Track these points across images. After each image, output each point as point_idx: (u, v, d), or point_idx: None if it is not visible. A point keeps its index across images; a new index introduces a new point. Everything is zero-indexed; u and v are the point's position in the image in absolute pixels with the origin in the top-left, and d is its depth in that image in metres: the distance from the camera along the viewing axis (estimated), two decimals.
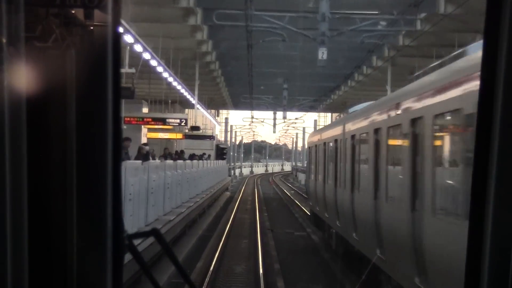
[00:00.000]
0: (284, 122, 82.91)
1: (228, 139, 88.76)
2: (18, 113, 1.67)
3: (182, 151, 35.80)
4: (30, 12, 1.68)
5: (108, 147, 1.74)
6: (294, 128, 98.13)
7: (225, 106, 77.60)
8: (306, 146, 27.80)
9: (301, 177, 78.60)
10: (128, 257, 1.93)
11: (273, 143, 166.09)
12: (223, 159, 59.76)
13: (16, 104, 1.66)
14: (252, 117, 79.49)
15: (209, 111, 66.08)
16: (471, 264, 1.86)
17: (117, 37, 1.75)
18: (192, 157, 38.29)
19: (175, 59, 36.57)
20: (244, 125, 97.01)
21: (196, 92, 42.55)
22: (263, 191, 57.97)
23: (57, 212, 1.72)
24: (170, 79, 33.86)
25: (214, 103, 68.51)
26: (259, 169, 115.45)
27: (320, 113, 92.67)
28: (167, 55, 34.27)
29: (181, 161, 26.65)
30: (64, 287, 1.74)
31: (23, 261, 1.68)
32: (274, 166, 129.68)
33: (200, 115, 67.27)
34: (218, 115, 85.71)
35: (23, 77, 1.67)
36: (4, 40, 1.64)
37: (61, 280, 1.73)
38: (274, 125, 73.79)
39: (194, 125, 47.94)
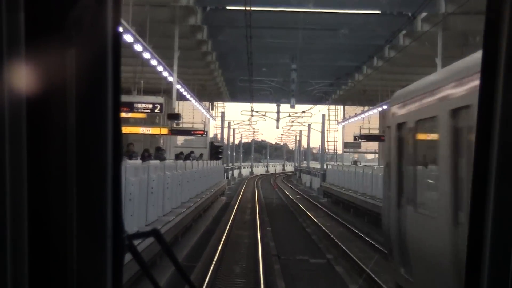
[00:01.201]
0: (290, 115, 70.22)
1: (225, 136, 76.73)
2: (18, 113, 1.67)
3: (159, 148, 28.15)
4: (30, 12, 1.68)
5: (108, 147, 1.75)
6: (300, 124, 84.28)
7: (220, 97, 65.43)
8: (387, 126, 11.94)
9: (306, 178, 72.19)
10: (128, 257, 1.94)
11: (273, 143, 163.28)
12: (219, 158, 50.85)
13: (16, 104, 1.66)
14: (252, 110, 66.68)
15: (202, 103, 56.05)
16: (471, 264, 1.86)
17: (117, 37, 1.75)
18: (177, 156, 31.63)
19: (140, 19, 26.02)
20: (243, 121, 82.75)
21: (175, 67, 31.70)
22: (264, 195, 49.97)
23: (57, 212, 1.73)
24: (138, 47, 24.46)
25: (206, 93, 56.02)
26: (259, 169, 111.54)
27: (329, 108, 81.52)
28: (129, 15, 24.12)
29: (140, 161, 18.33)
30: (64, 287, 1.74)
31: (22, 261, 1.69)
32: (275, 167, 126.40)
33: (189, 107, 56.94)
34: (212, 108, 73.05)
35: (23, 77, 1.67)
36: (4, 40, 1.64)
37: (61, 281, 1.73)
38: (278, 119, 60.62)
39: (174, 113, 35.26)
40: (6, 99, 1.64)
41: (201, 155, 41.72)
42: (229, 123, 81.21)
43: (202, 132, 44.47)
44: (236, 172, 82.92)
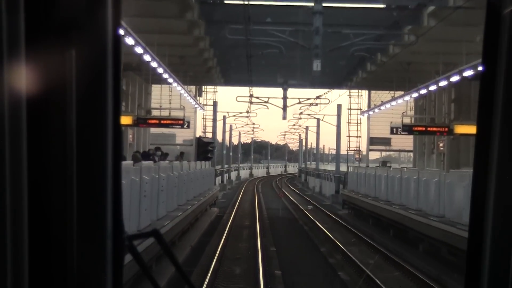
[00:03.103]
0: (300, 102, 51.45)
1: (220, 133, 62.85)
2: (18, 113, 1.67)
3: None
4: (30, 12, 1.68)
5: (108, 147, 1.75)
6: (310, 117, 63.80)
7: (208, 78, 46.31)
8: None
9: (314, 182, 60.24)
10: (128, 258, 1.94)
11: (273, 143, 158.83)
12: (208, 159, 38.96)
13: (16, 104, 1.67)
14: (251, 96, 48.70)
15: (187, 88, 41.15)
16: (471, 264, 1.87)
17: (117, 37, 1.76)
18: (134, 157, 22.01)
19: None
20: (241, 112, 64.93)
21: None
22: (267, 205, 40.06)
23: (57, 212, 1.73)
24: None
25: (186, 68, 38.09)
26: (259, 171, 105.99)
27: (350, 93, 58.38)
28: None
29: None
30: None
31: (23, 262, 1.69)
32: (276, 168, 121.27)
33: (172, 95, 41.03)
34: (200, 95, 55.11)
35: (23, 77, 1.67)
36: (4, 41, 1.64)
37: (60, 281, 1.74)
38: (284, 107, 44.29)
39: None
40: (6, 99, 1.64)
41: (182, 154, 31.01)
42: (224, 117, 64.37)
43: (180, 122, 31.93)
44: (233, 174, 74.92)
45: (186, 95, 40.66)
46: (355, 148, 61.82)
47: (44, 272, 1.72)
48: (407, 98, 40.47)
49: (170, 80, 33.57)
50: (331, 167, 68.26)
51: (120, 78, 1.79)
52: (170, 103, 38.62)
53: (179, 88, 37.07)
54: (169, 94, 39.94)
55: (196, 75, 42.95)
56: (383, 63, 35.34)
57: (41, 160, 1.71)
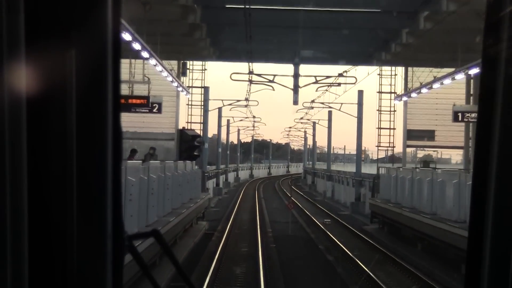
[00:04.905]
0: (317, 82, 36.00)
1: (213, 126, 53.16)
2: (18, 113, 1.67)
3: None
4: (30, 13, 1.68)
5: (108, 147, 1.75)
6: (324, 106, 49.11)
7: (192, 46, 31.79)
8: None
9: (324, 186, 52.59)
10: (128, 258, 1.94)
11: (274, 142, 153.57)
12: (194, 158, 30.65)
13: (16, 104, 1.67)
14: (251, 72, 34.28)
15: (165, 63, 28.37)
16: (471, 264, 1.87)
17: (117, 37, 1.76)
18: None
19: None
20: (238, 100, 49.62)
21: None
22: (271, 216, 32.14)
23: (57, 213, 1.73)
24: None
25: (158, 26, 24.66)
26: (260, 171, 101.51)
27: (381, 72, 40.42)
28: None
29: None
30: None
31: (23, 261, 1.69)
32: (278, 168, 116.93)
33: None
34: (184, 74, 39.12)
35: (23, 77, 1.68)
36: (4, 41, 1.65)
37: (60, 281, 1.74)
38: (296, 88, 32.80)
39: None
40: (6, 99, 1.65)
41: (153, 150, 24.16)
42: (220, 108, 50.46)
43: (143, 102, 23.43)
44: (232, 175, 68.62)
45: (154, 62, 24.70)
46: (388, 144, 43.54)
47: (44, 272, 1.73)
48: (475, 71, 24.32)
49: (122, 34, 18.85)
50: (336, 167, 65.76)
51: (120, 78, 1.80)
52: (133, 76, 26.36)
53: (138, 46, 21.60)
54: (129, 63, 27.04)
55: (172, 39, 28.14)
56: (443, 18, 22.24)
57: (41, 160, 1.71)
